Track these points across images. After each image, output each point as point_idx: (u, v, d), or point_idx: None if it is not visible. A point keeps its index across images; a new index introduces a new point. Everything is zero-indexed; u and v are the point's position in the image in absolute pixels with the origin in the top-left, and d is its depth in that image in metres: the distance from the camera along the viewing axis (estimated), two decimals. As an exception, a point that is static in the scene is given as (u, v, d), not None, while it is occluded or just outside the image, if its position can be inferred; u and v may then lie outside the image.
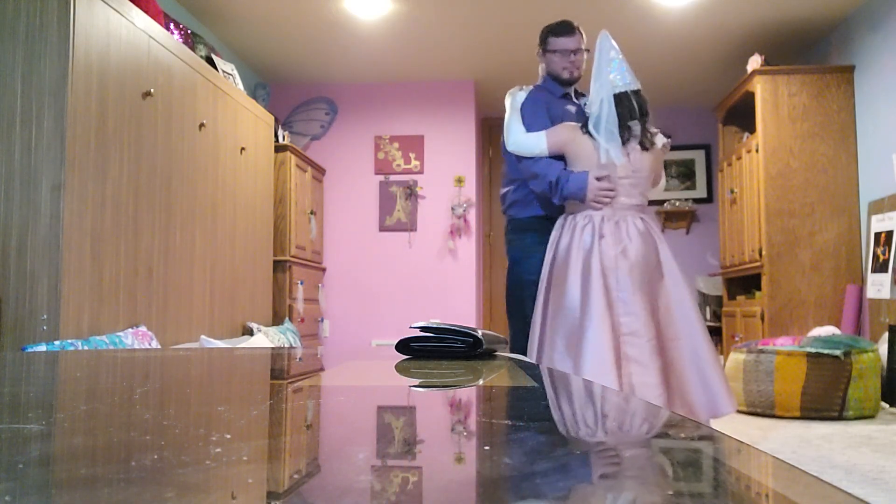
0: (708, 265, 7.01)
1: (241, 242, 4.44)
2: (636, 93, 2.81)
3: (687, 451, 0.47)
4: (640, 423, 0.62)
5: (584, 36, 3.02)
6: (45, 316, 2.67)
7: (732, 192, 5.71)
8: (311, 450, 0.49)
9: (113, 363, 1.19)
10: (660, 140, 2.95)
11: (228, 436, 0.48)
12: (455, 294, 6.17)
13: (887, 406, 4.09)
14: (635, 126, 2.78)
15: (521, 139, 2.88)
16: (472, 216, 6.23)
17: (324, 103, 6.44)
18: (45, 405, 0.69)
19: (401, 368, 1.04)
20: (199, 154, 3.89)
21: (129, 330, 3.07)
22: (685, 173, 7.21)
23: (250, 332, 4.41)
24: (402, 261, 6.25)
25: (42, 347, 2.54)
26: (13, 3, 2.79)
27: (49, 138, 2.73)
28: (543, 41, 3.04)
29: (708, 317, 6.87)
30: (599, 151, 2.73)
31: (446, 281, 6.19)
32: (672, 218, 7.12)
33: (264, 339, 4.29)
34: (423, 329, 1.14)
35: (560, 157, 2.83)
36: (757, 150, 5.15)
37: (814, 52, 5.62)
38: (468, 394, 0.81)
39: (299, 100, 6.46)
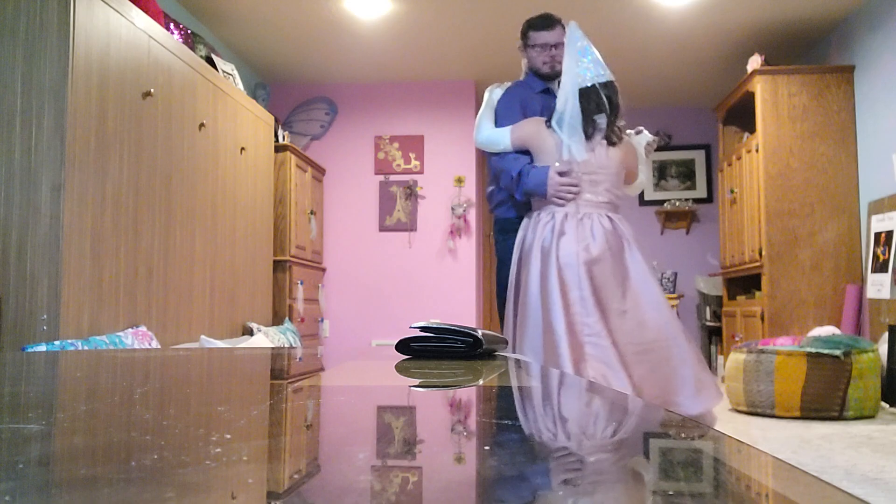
0: (708, 265, 7.01)
1: (241, 242, 4.44)
2: (606, 85, 2.65)
3: (687, 451, 0.47)
4: (639, 423, 0.62)
5: (565, 29, 2.96)
6: (45, 316, 2.67)
7: (732, 192, 5.71)
8: (311, 450, 0.49)
9: (113, 363, 1.19)
10: (644, 137, 2.86)
11: (228, 436, 0.48)
12: (455, 294, 6.17)
13: (887, 406, 4.09)
14: (601, 120, 2.63)
15: (487, 135, 2.82)
16: (472, 216, 6.23)
17: (324, 103, 6.44)
18: (45, 405, 0.69)
19: (401, 368, 1.04)
20: (199, 154, 3.89)
21: (129, 330, 3.07)
22: (685, 173, 7.21)
23: (250, 332, 4.41)
24: (402, 261, 6.25)
25: (42, 347, 2.54)
26: (13, 3, 2.79)
27: (49, 138, 2.73)
28: (524, 35, 2.95)
29: (708, 317, 6.88)
30: (562, 147, 2.63)
31: (446, 281, 6.19)
32: (672, 218, 7.12)
33: (264, 339, 4.29)
34: (423, 329, 1.14)
35: (527, 153, 2.75)
36: (757, 150, 5.15)
37: (814, 52, 5.62)
38: (468, 394, 0.81)
39: (299, 100, 6.46)
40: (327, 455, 0.46)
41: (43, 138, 2.74)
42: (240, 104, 4.48)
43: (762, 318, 4.99)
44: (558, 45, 2.86)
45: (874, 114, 4.79)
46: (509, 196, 2.89)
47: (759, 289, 5.22)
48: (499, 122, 2.84)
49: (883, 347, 4.11)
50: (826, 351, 3.92)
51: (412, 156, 6.32)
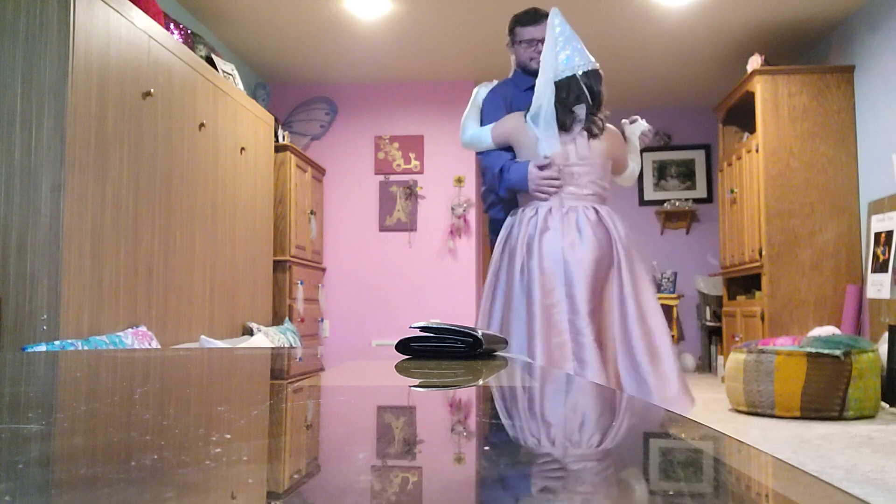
0: (708, 265, 7.01)
1: (241, 242, 4.44)
2: (588, 74, 2.53)
3: (687, 450, 0.47)
4: (639, 422, 0.62)
5: None
6: (45, 316, 2.67)
7: (732, 192, 5.71)
8: (311, 450, 0.49)
9: (113, 363, 1.19)
10: (638, 126, 2.77)
11: (228, 436, 0.48)
12: (455, 294, 6.17)
13: (887, 406, 4.09)
14: (580, 111, 2.52)
15: (471, 134, 2.78)
16: (472, 216, 6.23)
17: (324, 103, 6.45)
18: (45, 405, 0.69)
19: (401, 368, 1.04)
20: (199, 154, 3.89)
21: (129, 330, 3.07)
22: (685, 173, 7.22)
23: (250, 332, 4.41)
24: (402, 261, 6.25)
25: (42, 347, 2.54)
26: (13, 3, 2.79)
27: (49, 138, 2.73)
28: (511, 31, 2.87)
29: (708, 317, 6.88)
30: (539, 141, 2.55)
31: (446, 281, 6.19)
32: (672, 218, 7.12)
33: (264, 339, 4.29)
34: (423, 329, 1.14)
35: (511, 149, 2.69)
36: (757, 150, 5.15)
37: (814, 52, 5.62)
38: (468, 394, 0.81)
39: (299, 100, 6.46)
40: (327, 455, 0.46)
41: (43, 138, 2.74)
42: (240, 104, 4.48)
43: (762, 318, 4.99)
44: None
45: (874, 114, 4.79)
46: (499, 196, 2.85)
47: (759, 289, 5.22)
48: (484, 121, 2.79)
49: (883, 347, 4.11)
50: (826, 351, 3.92)
51: (412, 156, 6.32)
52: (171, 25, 4.03)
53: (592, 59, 2.57)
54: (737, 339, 5.42)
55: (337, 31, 5.30)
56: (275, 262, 5.14)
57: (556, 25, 2.58)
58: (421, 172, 6.30)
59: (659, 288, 6.93)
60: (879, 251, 4.54)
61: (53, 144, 2.73)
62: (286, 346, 4.45)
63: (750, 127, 5.49)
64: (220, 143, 4.15)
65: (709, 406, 4.52)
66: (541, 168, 2.52)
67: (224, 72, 4.46)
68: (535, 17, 2.80)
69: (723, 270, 6.02)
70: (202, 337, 3.82)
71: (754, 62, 5.22)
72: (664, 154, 7.20)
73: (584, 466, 0.42)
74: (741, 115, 5.73)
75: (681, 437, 0.52)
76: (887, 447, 3.14)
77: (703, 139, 7.14)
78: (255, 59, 5.89)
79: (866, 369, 3.92)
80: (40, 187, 2.72)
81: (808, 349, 3.97)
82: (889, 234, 4.46)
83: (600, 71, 2.59)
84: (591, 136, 2.55)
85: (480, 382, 0.90)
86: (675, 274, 6.88)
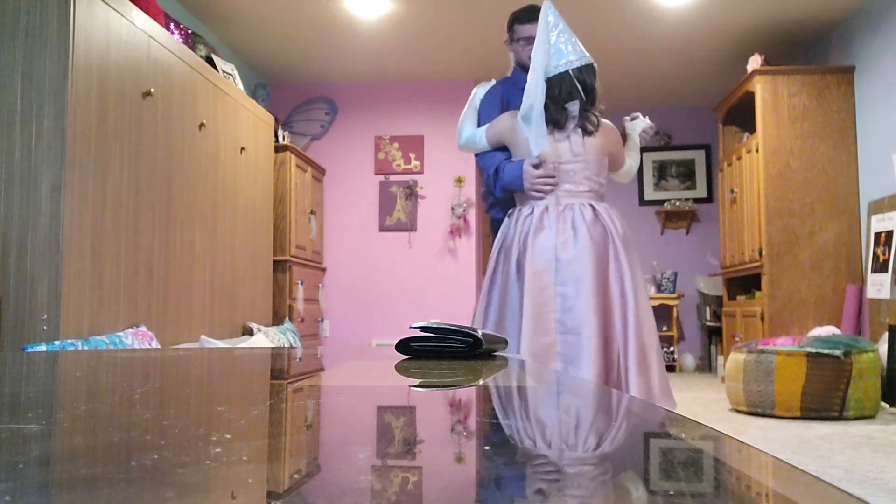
0: (708, 265, 7.01)
1: (241, 242, 4.44)
2: (581, 69, 2.48)
3: (687, 450, 0.48)
4: (638, 423, 0.62)
5: None
6: (45, 316, 2.67)
7: (732, 191, 5.71)
8: (311, 450, 0.49)
9: (113, 363, 1.19)
10: (639, 123, 2.75)
11: (228, 436, 0.48)
12: (455, 294, 6.17)
13: (887, 406, 4.09)
14: (573, 107, 2.48)
15: (466, 136, 2.76)
16: (472, 216, 6.23)
17: (324, 103, 6.45)
18: (45, 405, 0.69)
19: (401, 368, 1.04)
20: (199, 154, 3.89)
21: (129, 330, 3.07)
22: (685, 173, 7.22)
23: (250, 332, 4.41)
24: (402, 261, 6.25)
25: (42, 347, 2.54)
26: (13, 3, 2.79)
27: (49, 138, 2.73)
28: (510, 29, 2.84)
29: (708, 317, 6.88)
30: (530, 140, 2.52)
31: (446, 281, 6.19)
32: (672, 218, 7.12)
33: (264, 339, 4.29)
34: (422, 329, 1.14)
35: (506, 149, 2.66)
36: (757, 150, 5.15)
37: (814, 52, 5.62)
38: (468, 394, 0.81)
39: (299, 100, 6.46)
40: (327, 455, 0.46)
41: (43, 138, 2.74)
42: (240, 104, 4.48)
43: (762, 318, 4.99)
44: None
45: (874, 114, 4.79)
46: (497, 197, 2.84)
47: (759, 289, 5.22)
48: (480, 122, 2.77)
49: (883, 347, 4.11)
50: (826, 351, 3.92)
51: (412, 156, 6.32)
52: (172, 25, 4.03)
53: (586, 54, 2.53)
54: (737, 339, 5.43)
55: (337, 30, 5.30)
56: (275, 262, 5.14)
57: (548, 18, 2.53)
58: (421, 172, 6.30)
59: (659, 288, 6.94)
60: (879, 251, 4.54)
61: (53, 144, 2.73)
62: (286, 346, 4.45)
63: (750, 127, 5.49)
64: (220, 143, 4.15)
65: (709, 406, 4.52)
66: (535, 167, 2.50)
67: (224, 72, 4.46)
68: (534, 14, 2.76)
69: (723, 270, 6.02)
70: (202, 337, 3.82)
71: (754, 62, 5.22)
72: (664, 154, 7.20)
73: (583, 469, 0.42)
74: (741, 115, 5.74)
75: (681, 437, 0.52)
76: (887, 447, 3.14)
77: (703, 139, 7.14)
78: (255, 59, 5.89)
79: (866, 369, 3.92)
80: (40, 187, 2.72)
81: (808, 349, 3.97)
82: (889, 234, 4.46)
83: (594, 65, 2.55)
84: (586, 132, 2.51)
85: (480, 382, 0.90)
86: (675, 274, 6.89)
